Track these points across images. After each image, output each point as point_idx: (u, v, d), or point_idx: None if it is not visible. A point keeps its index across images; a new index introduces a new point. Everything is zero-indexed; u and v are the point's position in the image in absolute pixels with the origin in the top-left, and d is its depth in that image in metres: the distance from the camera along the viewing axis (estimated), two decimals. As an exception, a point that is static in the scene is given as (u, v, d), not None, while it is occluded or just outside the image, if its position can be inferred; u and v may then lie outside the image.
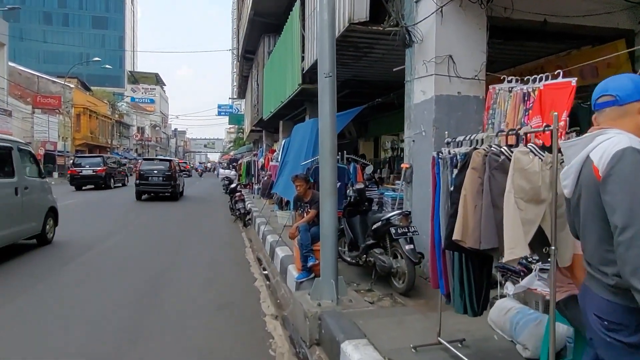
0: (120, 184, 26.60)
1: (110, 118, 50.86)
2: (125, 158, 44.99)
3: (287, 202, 11.56)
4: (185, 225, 11.25)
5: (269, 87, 15.57)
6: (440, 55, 4.87)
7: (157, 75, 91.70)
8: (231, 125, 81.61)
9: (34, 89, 37.88)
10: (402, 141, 17.64)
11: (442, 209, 2.92)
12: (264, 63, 17.83)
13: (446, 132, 3.56)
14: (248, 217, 11.71)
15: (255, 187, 17.59)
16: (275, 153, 16.97)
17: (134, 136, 65.69)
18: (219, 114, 45.79)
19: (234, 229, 10.98)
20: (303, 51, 9.55)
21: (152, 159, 21.57)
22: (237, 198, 11.66)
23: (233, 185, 12.52)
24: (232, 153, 52.30)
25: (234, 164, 41.26)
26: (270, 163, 16.06)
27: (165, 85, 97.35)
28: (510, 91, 4.27)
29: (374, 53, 6.96)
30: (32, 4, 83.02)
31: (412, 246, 4.25)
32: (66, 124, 38.00)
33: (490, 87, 4.80)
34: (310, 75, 9.62)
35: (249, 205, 12.61)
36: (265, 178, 15.21)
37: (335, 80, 4.16)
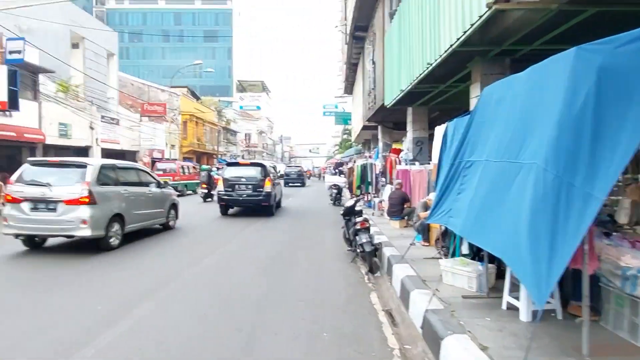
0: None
1: (216, 125, 50.53)
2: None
3: (446, 232, 6.72)
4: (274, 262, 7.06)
5: (395, 59, 10.85)
6: None
7: (262, 82, 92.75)
8: (336, 130, 78.39)
9: (145, 98, 38.08)
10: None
11: None
12: (383, 32, 13.21)
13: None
14: (377, 252, 7.10)
15: (375, 200, 12.94)
16: (402, 153, 12.20)
17: (241, 142, 65.75)
18: (324, 114, 42.32)
19: (354, 281, 6.41)
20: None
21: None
22: (358, 225, 7.10)
23: (349, 204, 7.91)
24: (337, 157, 48.59)
25: (340, 168, 37.21)
26: (398, 167, 11.33)
27: (270, 91, 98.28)
28: None
29: None
30: (152, 23, 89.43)
31: None
32: (172, 131, 37.49)
33: None
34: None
35: (377, 236, 7.98)
36: (394, 188, 10.48)
37: None
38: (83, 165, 8.18)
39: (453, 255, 6.26)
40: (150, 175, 10.63)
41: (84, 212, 7.70)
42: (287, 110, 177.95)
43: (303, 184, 35.31)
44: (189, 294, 5.62)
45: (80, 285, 6.00)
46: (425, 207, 7.69)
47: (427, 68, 7.44)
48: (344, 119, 38.58)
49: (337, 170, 38.36)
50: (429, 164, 11.25)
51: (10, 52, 14.58)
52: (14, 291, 5.73)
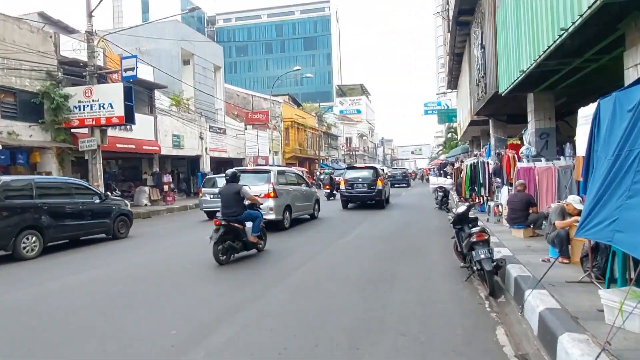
0: None
1: (317, 130, 51.03)
2: (334, 169, 43.49)
3: (597, 246, 5.10)
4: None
5: (511, 35, 9.16)
6: None
7: (362, 86, 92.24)
8: (437, 130, 74.57)
9: (250, 108, 39.79)
10: None
11: None
12: (494, 8, 11.45)
13: None
14: (498, 269, 5.69)
15: (490, 203, 11.21)
16: (523, 148, 10.39)
17: (342, 147, 65.77)
18: (425, 113, 40.15)
19: (472, 308, 5.10)
20: None
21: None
22: (474, 237, 5.77)
23: (461, 210, 6.53)
24: (442, 157, 45.82)
25: (444, 169, 34.75)
26: (518, 164, 9.60)
27: (370, 94, 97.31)
28: None
29: None
30: (256, 36, 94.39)
31: None
32: (275, 138, 38.46)
33: None
34: None
35: (496, 248, 6.54)
36: (515, 190, 8.80)
37: None
38: (268, 171, 12.10)
39: (610, 280, 4.67)
40: (302, 177, 14.53)
41: (271, 202, 11.27)
42: (387, 113, 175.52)
43: (408, 185, 37.05)
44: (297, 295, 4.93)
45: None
46: (563, 213, 6.07)
47: (561, 35, 5.83)
48: (448, 116, 36.09)
49: (441, 172, 35.95)
50: (559, 159, 9.34)
51: (125, 70, 15.65)
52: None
